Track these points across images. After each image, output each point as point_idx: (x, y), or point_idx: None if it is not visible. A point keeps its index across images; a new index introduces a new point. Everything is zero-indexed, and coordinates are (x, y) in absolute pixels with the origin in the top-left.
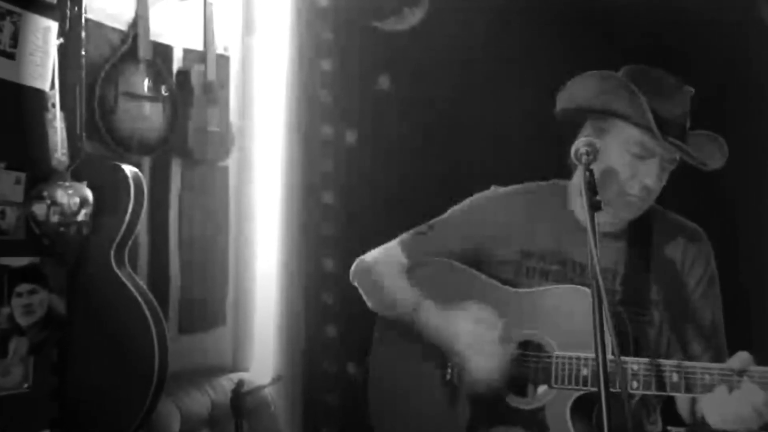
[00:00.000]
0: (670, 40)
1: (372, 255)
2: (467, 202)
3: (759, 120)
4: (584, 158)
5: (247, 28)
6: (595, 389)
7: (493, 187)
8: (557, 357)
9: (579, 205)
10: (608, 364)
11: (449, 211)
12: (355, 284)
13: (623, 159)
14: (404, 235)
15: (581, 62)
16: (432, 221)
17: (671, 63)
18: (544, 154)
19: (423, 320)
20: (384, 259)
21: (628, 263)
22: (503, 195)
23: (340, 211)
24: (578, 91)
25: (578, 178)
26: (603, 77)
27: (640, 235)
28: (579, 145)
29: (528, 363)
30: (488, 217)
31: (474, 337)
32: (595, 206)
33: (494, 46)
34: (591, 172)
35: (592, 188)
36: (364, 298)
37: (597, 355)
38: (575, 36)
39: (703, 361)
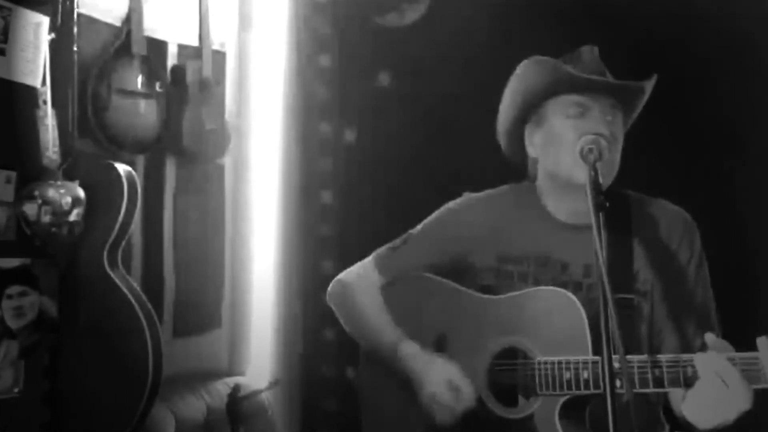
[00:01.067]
0: (674, 33)
1: (347, 276)
2: (439, 211)
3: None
4: (590, 157)
5: (244, 23)
6: (578, 392)
7: (465, 194)
8: (539, 363)
9: (553, 202)
10: (593, 365)
11: (423, 223)
12: (332, 307)
13: (567, 124)
14: (378, 252)
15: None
16: (406, 235)
17: (675, 57)
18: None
19: (399, 363)
20: (360, 282)
21: (611, 255)
22: (475, 200)
23: (339, 212)
24: (505, 106)
25: (543, 178)
26: (514, 78)
27: (620, 220)
28: (583, 143)
29: (513, 371)
30: (462, 224)
31: (438, 400)
32: (600, 206)
33: (497, 42)
34: (596, 171)
35: (597, 187)
36: (342, 323)
37: (603, 358)
38: (581, 33)
39: (696, 344)
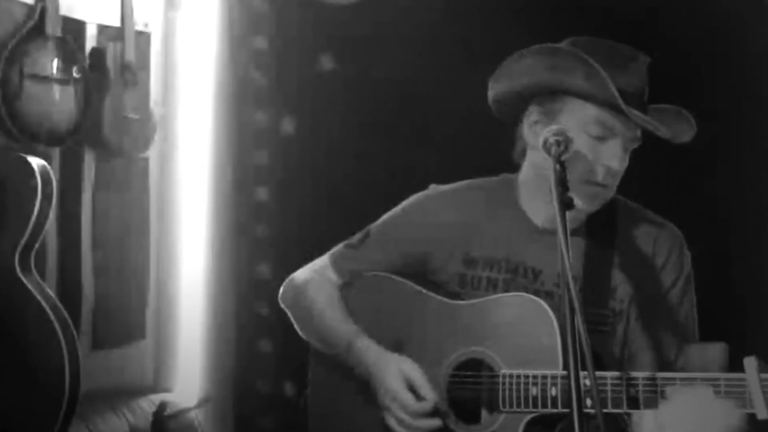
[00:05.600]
0: (659, 18)
1: (302, 275)
2: (403, 205)
3: (756, 106)
4: (554, 149)
5: (171, 1)
6: (545, 410)
7: (432, 186)
8: (504, 376)
9: (531, 202)
10: (563, 381)
11: (383, 217)
12: (285, 309)
13: (582, 142)
14: (335, 249)
15: (551, 41)
16: (365, 230)
17: (662, 44)
18: (507, 142)
19: (355, 358)
20: (315, 280)
21: (588, 266)
22: (444, 194)
23: (276, 210)
24: (522, 70)
25: (527, 173)
26: (550, 51)
27: (602, 231)
28: (548, 134)
29: (475, 385)
30: (428, 221)
31: (396, 403)
32: (566, 204)
33: (450, 23)
34: (562, 165)
35: (563, 184)
36: (295, 326)
37: (570, 374)
38: (545, 13)
39: (677, 366)
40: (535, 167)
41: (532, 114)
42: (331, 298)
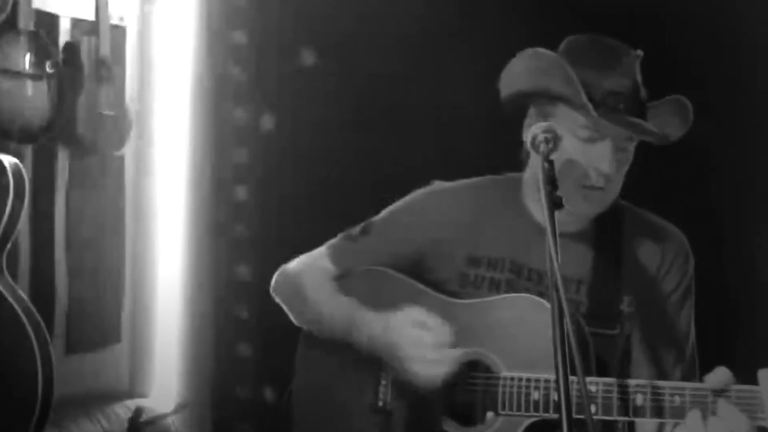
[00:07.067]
0: (646, 9)
1: (296, 264)
2: (405, 200)
3: (751, 104)
4: (542, 147)
5: None
6: (547, 415)
7: (435, 183)
8: (504, 379)
9: (535, 203)
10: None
11: (385, 211)
12: (277, 299)
13: (574, 145)
14: (333, 241)
15: (538, 36)
16: (365, 223)
17: (659, 38)
18: (497, 141)
19: (357, 331)
20: (309, 267)
21: (595, 269)
22: (447, 191)
23: (255, 210)
24: (515, 72)
25: (533, 171)
26: (537, 55)
27: (609, 236)
28: (536, 131)
29: (473, 386)
30: (429, 218)
31: (415, 344)
32: (555, 203)
33: (436, 16)
34: (551, 163)
35: (551, 182)
36: (288, 312)
37: (558, 378)
38: (532, 7)
39: (675, 377)
40: (536, 167)
41: (531, 117)
42: (325, 280)
